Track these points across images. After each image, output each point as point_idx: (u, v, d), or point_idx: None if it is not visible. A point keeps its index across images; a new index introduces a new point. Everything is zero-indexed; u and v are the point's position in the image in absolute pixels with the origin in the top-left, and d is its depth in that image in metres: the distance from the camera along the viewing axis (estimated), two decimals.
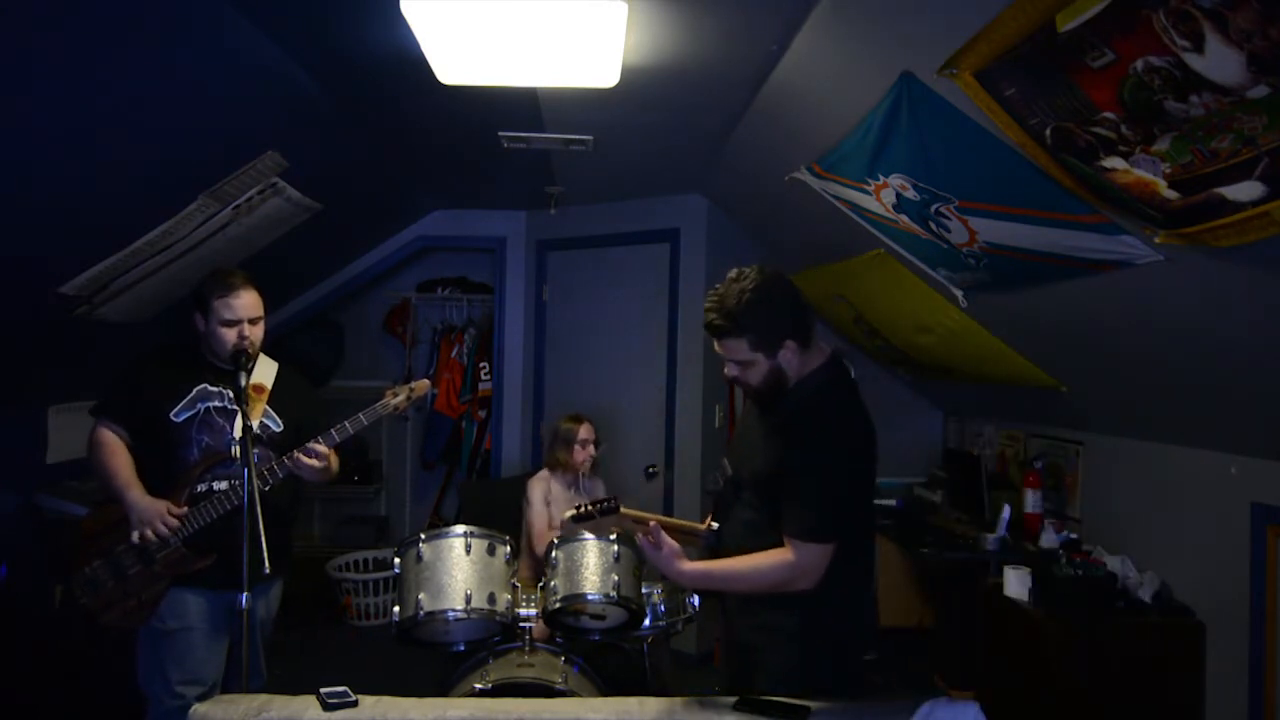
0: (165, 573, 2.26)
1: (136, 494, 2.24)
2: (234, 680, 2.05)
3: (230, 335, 2.31)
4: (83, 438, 2.38)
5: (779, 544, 1.84)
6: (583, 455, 3.35)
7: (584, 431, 3.37)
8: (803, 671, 1.88)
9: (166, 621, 2.27)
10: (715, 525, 2.07)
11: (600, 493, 3.51)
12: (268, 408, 2.44)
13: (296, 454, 2.29)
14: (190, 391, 2.32)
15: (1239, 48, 1.24)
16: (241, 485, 2.03)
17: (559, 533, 3.19)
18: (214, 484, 2.31)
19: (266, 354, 2.49)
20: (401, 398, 2.43)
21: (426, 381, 2.58)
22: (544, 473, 3.42)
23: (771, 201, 3.52)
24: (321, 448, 2.32)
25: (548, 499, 3.34)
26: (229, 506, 2.23)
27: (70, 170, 2.28)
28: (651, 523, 1.88)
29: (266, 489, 2.26)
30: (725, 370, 1.97)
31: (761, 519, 1.90)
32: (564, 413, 3.58)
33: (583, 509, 1.86)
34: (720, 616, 2.19)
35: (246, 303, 2.34)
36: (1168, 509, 2.88)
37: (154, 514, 2.21)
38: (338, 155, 3.22)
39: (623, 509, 1.87)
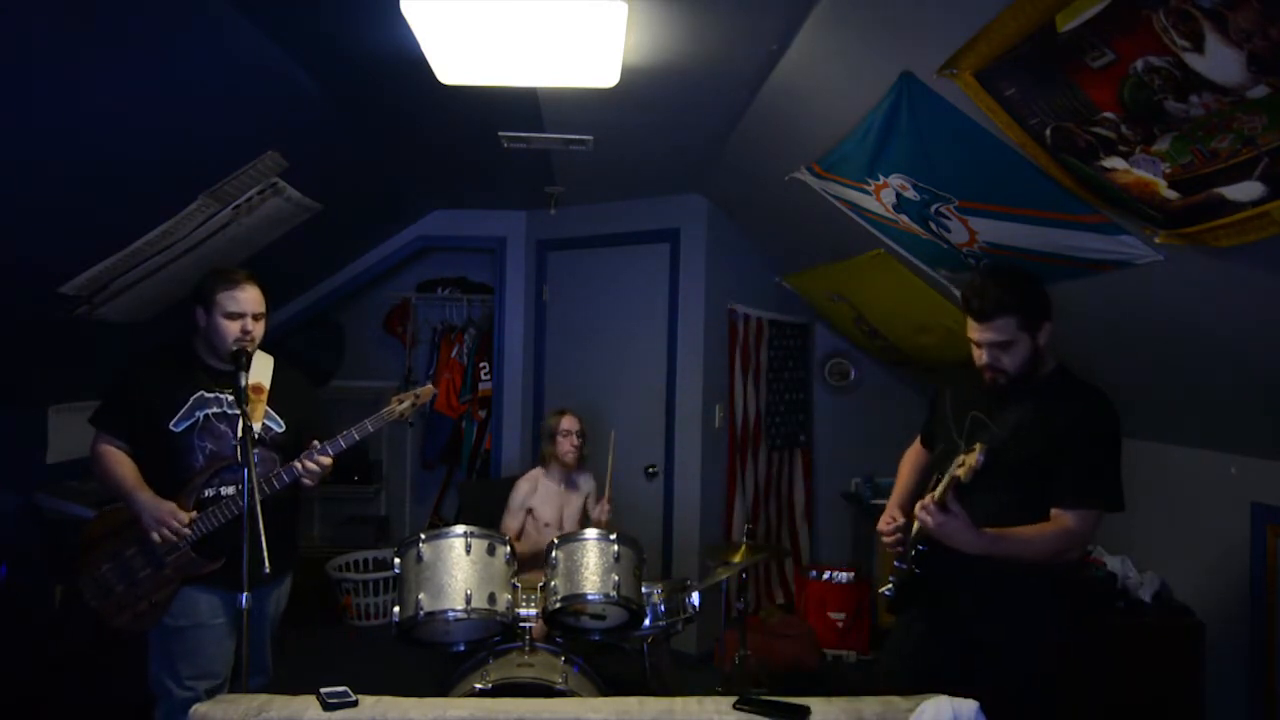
0: (175, 576, 2.27)
1: (145, 496, 2.25)
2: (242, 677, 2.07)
3: (233, 328, 2.30)
4: (83, 437, 2.39)
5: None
6: (566, 445, 3.35)
7: (566, 423, 3.37)
8: (1047, 631, 2.01)
9: (178, 619, 2.27)
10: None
11: (589, 487, 3.50)
12: (268, 409, 2.44)
13: (303, 461, 2.29)
14: (187, 400, 2.31)
15: (1239, 48, 1.24)
16: (253, 487, 2.03)
17: (555, 531, 3.20)
18: (221, 489, 2.31)
19: (260, 348, 2.48)
20: (406, 404, 2.43)
21: (430, 387, 2.59)
22: (534, 471, 3.44)
23: (771, 201, 3.52)
24: (326, 459, 2.32)
25: (529, 501, 3.35)
26: (236, 511, 2.23)
27: (70, 170, 2.28)
28: (951, 492, 1.92)
29: (270, 494, 2.26)
30: (978, 358, 2.05)
31: (1018, 501, 1.98)
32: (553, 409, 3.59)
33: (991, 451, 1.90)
34: (927, 622, 2.20)
35: (251, 297, 2.34)
36: (1168, 509, 2.88)
37: (165, 513, 2.22)
38: (338, 155, 3.22)
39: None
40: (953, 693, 1.82)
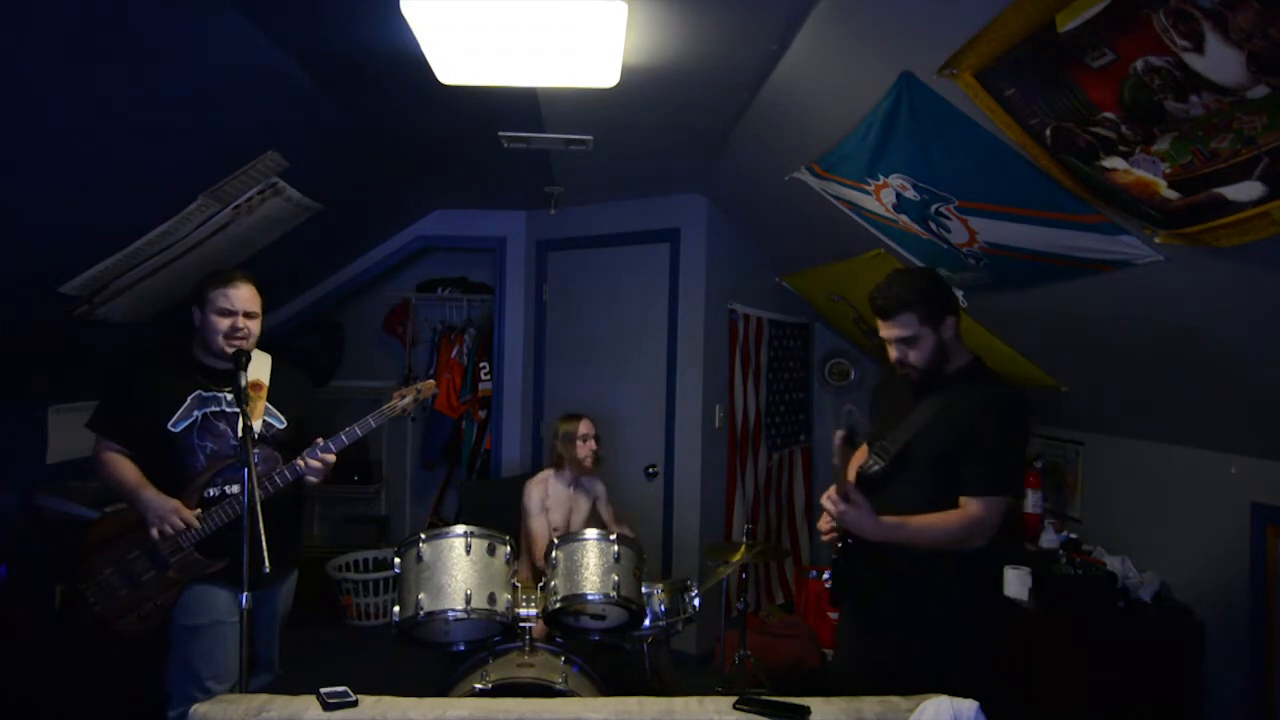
0: (179, 578, 2.27)
1: (149, 493, 2.26)
2: (251, 676, 2.07)
3: (223, 324, 2.31)
4: (83, 437, 2.39)
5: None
6: (585, 450, 3.35)
7: (584, 427, 3.38)
8: (970, 646, 2.05)
9: (196, 617, 2.27)
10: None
11: (600, 490, 3.52)
12: (269, 405, 2.44)
13: (305, 459, 2.29)
14: (185, 400, 2.31)
15: (1239, 48, 1.24)
16: (254, 487, 2.03)
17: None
18: (226, 488, 2.31)
19: (259, 348, 2.48)
20: (408, 399, 2.43)
21: (432, 382, 2.59)
22: (544, 474, 3.42)
23: (771, 201, 3.52)
24: (330, 456, 2.32)
25: (545, 504, 3.34)
26: (239, 510, 2.23)
27: (70, 170, 2.28)
28: (849, 483, 2.01)
29: (273, 492, 2.26)
30: (891, 355, 2.16)
31: (932, 492, 2.04)
32: (564, 413, 3.58)
33: (849, 437, 1.98)
34: (855, 613, 2.27)
35: (243, 294, 2.34)
36: (1168, 509, 2.88)
37: (169, 509, 2.22)
38: (338, 155, 3.22)
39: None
40: (889, 691, 1.87)
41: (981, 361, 2.19)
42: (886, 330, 2.14)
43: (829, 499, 2.03)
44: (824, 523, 2.23)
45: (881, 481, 2.13)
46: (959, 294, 2.95)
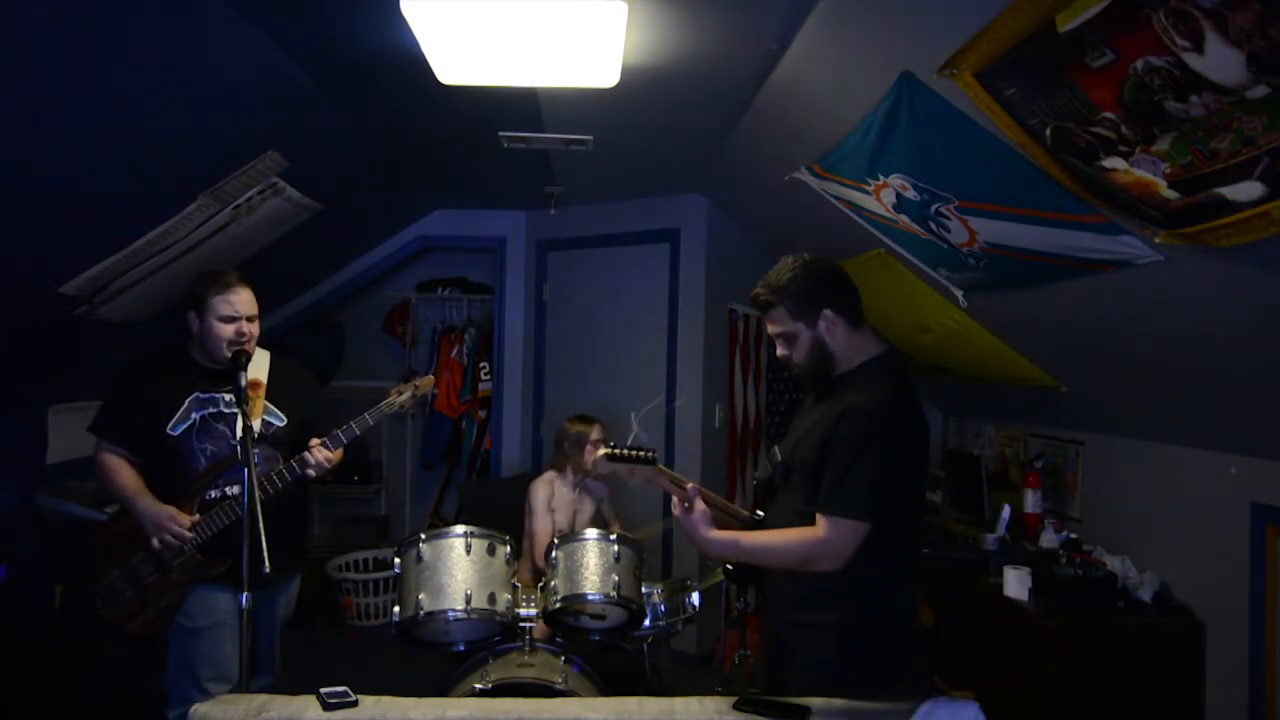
0: (183, 580, 2.27)
1: (145, 502, 2.25)
2: (252, 676, 2.07)
3: (229, 331, 2.30)
4: (83, 437, 2.39)
5: None
6: (594, 456, 3.35)
7: (596, 433, 3.38)
8: (835, 669, 1.83)
9: (197, 619, 2.27)
10: (760, 514, 2.02)
11: (603, 493, 3.52)
12: (268, 404, 2.43)
13: (304, 459, 2.29)
14: (183, 403, 2.31)
15: (1239, 48, 1.25)
16: (253, 487, 2.03)
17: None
18: (227, 489, 2.31)
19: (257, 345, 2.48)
20: (406, 395, 2.43)
21: (430, 378, 2.57)
22: (549, 474, 3.42)
23: (771, 201, 3.52)
24: (324, 453, 2.32)
25: (550, 504, 3.34)
26: (240, 511, 2.23)
27: (71, 170, 2.28)
28: (689, 485, 1.86)
29: (274, 492, 2.26)
30: (777, 351, 1.99)
31: (804, 504, 1.85)
32: (564, 413, 3.58)
33: (618, 450, 1.84)
34: (761, 615, 2.17)
35: (244, 299, 2.34)
36: (1168, 509, 2.88)
37: (164, 518, 2.22)
38: (338, 155, 3.22)
39: (660, 467, 1.90)
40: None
41: (884, 359, 1.92)
42: (767, 326, 1.96)
43: (675, 504, 1.90)
44: None
45: (774, 489, 1.98)
46: (958, 294, 2.95)
